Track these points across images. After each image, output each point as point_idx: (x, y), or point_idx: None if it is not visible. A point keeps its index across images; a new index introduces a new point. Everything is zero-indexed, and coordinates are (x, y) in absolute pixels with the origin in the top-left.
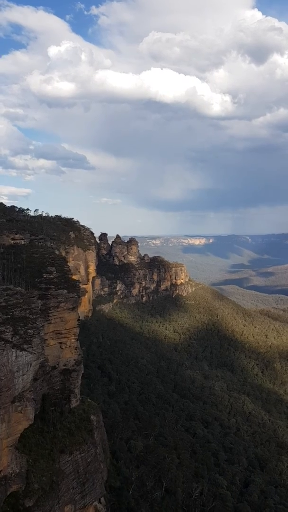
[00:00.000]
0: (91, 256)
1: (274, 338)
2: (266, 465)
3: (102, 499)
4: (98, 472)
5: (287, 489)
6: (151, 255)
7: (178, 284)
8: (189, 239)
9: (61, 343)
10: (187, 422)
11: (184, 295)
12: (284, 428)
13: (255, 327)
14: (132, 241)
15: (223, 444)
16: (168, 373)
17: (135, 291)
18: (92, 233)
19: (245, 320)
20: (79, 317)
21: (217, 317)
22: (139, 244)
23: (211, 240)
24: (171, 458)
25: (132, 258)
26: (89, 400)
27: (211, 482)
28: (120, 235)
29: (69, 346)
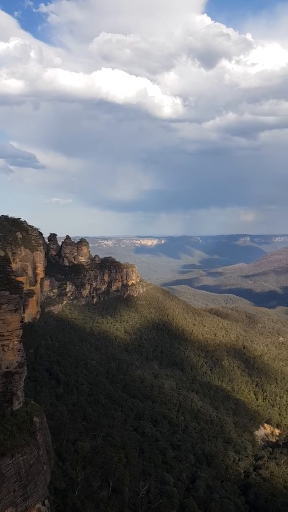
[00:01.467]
0: (39, 257)
1: (223, 336)
2: (212, 460)
3: (46, 501)
4: (41, 474)
5: (233, 483)
6: (103, 256)
7: (129, 284)
8: (141, 240)
9: (3, 345)
10: (136, 421)
11: (135, 295)
12: (231, 424)
13: (204, 326)
14: (82, 242)
15: (171, 441)
16: (118, 373)
17: (85, 292)
18: (40, 234)
19: (195, 320)
20: (22, 318)
21: (167, 317)
22: (91, 245)
23: (163, 241)
24: (118, 457)
25: (83, 259)
26: (32, 402)
27: (158, 480)
28: (72, 235)
29: (12, 348)
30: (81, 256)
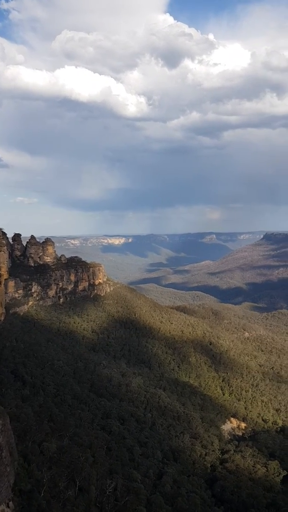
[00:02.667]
0: (3, 258)
1: (190, 333)
2: (179, 456)
3: (11, 503)
4: (4, 475)
5: (199, 477)
6: (70, 256)
7: (96, 284)
8: (108, 239)
9: None
10: (103, 420)
11: (102, 295)
12: (198, 419)
13: (172, 323)
14: (48, 242)
15: (138, 439)
16: (85, 373)
17: (51, 292)
18: (4, 234)
19: (162, 317)
20: None
21: (135, 315)
22: (57, 245)
23: (130, 240)
24: (85, 457)
25: (48, 259)
26: None
27: (125, 477)
28: (38, 235)
29: None
30: (47, 256)
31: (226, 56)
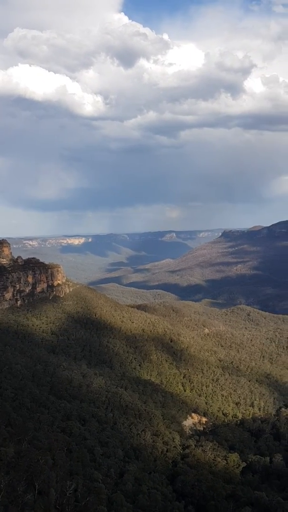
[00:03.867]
0: None
1: (151, 331)
2: (141, 453)
3: None
4: None
5: (161, 474)
6: (28, 257)
7: (55, 285)
8: (67, 239)
9: None
10: (64, 422)
11: (61, 296)
12: (159, 416)
13: (133, 322)
14: (3, 243)
15: (100, 439)
16: (45, 376)
17: (8, 295)
18: None
19: (123, 317)
20: None
21: (95, 315)
22: (14, 246)
23: (90, 240)
24: (44, 460)
25: (4, 261)
26: None
27: (86, 478)
28: None
29: None
30: (2, 258)
31: (181, 56)
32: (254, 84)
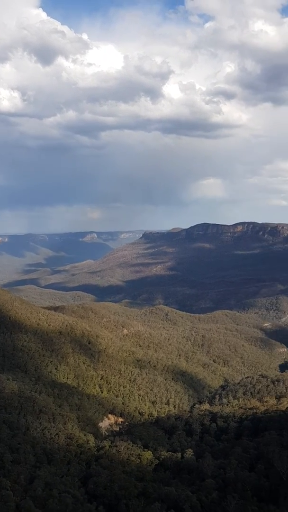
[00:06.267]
0: None
1: (68, 333)
2: (54, 458)
3: None
4: None
5: (73, 477)
6: None
7: None
8: None
9: None
10: None
11: None
12: (75, 419)
13: (50, 325)
14: None
15: (10, 445)
16: None
17: None
18: None
19: (39, 319)
20: None
21: (9, 319)
22: None
23: (6, 239)
24: None
25: None
26: None
27: None
28: None
29: None
30: None
31: (100, 57)
32: (172, 90)
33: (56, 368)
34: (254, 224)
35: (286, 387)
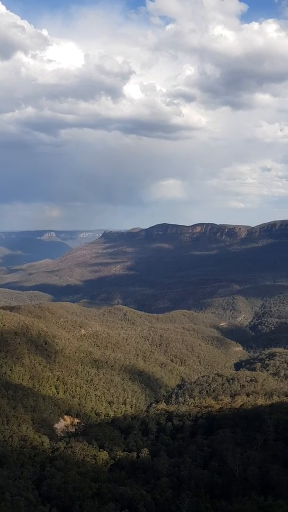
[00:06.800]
0: None
1: (24, 334)
2: (6, 461)
3: None
4: None
5: (27, 479)
6: None
7: None
8: None
9: None
10: None
11: None
12: (29, 421)
13: (4, 325)
14: None
15: None
16: None
17: None
18: None
19: None
20: None
21: None
22: None
23: None
24: None
25: None
26: None
27: None
28: None
29: None
30: None
31: (60, 54)
32: (133, 90)
33: (10, 369)
34: (212, 226)
35: (240, 386)
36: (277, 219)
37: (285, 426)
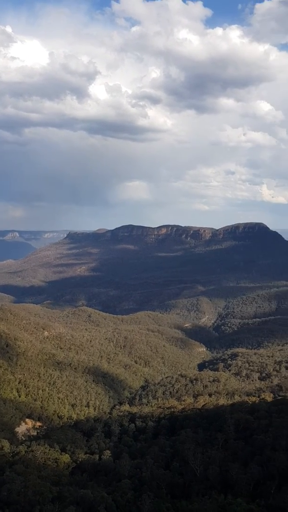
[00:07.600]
0: None
1: None
2: None
3: None
4: None
5: None
6: None
7: None
8: None
9: None
10: None
11: None
12: None
13: None
14: None
15: None
16: None
17: None
18: None
19: None
20: None
21: None
22: None
23: None
24: None
25: None
26: None
27: None
28: None
29: None
30: None
31: (25, 52)
32: (98, 91)
33: None
34: (177, 227)
35: (203, 386)
36: (241, 222)
37: (245, 425)
